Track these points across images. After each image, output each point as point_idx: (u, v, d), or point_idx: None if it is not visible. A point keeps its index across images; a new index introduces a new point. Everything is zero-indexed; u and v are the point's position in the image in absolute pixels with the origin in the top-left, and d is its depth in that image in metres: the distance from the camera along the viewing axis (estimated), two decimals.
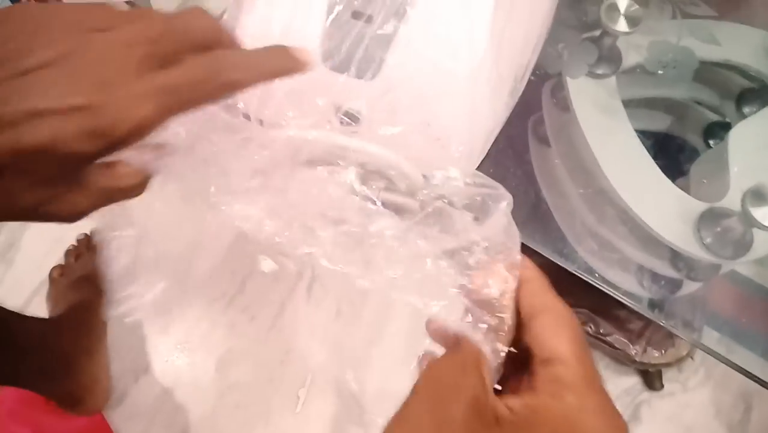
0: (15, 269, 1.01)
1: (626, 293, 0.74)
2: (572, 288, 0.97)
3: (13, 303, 0.98)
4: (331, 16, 0.37)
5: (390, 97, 0.39)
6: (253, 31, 0.36)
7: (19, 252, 1.04)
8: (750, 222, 0.57)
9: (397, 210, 0.42)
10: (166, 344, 0.99)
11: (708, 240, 0.65)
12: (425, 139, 0.39)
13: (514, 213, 0.77)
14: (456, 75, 0.38)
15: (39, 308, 0.98)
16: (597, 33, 0.71)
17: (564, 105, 0.84)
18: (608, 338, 0.92)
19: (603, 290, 0.75)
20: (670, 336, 0.92)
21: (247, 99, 0.40)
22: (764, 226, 0.57)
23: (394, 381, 0.94)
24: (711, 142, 0.86)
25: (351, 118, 0.40)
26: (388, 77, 0.38)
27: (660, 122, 0.90)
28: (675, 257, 0.72)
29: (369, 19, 0.37)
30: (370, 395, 0.94)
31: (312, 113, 0.40)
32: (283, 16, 0.37)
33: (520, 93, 0.45)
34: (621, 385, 0.98)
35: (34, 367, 0.77)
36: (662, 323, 0.70)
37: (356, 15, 0.36)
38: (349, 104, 0.40)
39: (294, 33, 0.36)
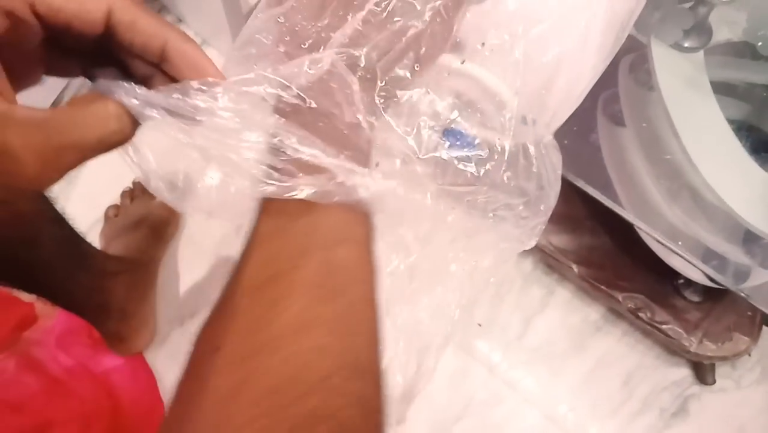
0: (71, 205, 1.02)
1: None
2: (630, 274, 0.95)
3: None
4: None
5: (500, 22, 0.37)
6: None
7: (76, 189, 1.05)
8: None
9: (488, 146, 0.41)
10: (216, 293, 0.99)
11: None
12: (528, 78, 0.38)
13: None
14: (571, 9, 0.36)
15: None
16: (688, 5, 0.68)
17: (644, 81, 0.81)
18: (663, 327, 0.90)
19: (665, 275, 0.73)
20: (728, 330, 0.89)
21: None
22: None
23: None
24: None
25: (455, 43, 0.39)
26: (502, 5, 0.36)
27: (737, 110, 0.87)
28: (751, 241, 0.69)
29: None
30: None
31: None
32: None
33: (621, 43, 0.43)
34: (671, 376, 0.96)
35: (86, 299, 0.78)
36: (743, 294, 0.67)
37: None
38: (461, 32, 0.38)
39: None
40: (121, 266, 0.85)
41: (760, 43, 0.63)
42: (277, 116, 0.30)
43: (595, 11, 0.40)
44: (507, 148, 0.41)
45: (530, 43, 0.38)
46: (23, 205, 0.62)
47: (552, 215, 1.07)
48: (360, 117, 0.32)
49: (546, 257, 1.01)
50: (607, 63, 0.46)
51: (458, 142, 0.40)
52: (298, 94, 0.31)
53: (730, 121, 0.88)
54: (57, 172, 0.24)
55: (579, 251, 0.97)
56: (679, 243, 0.75)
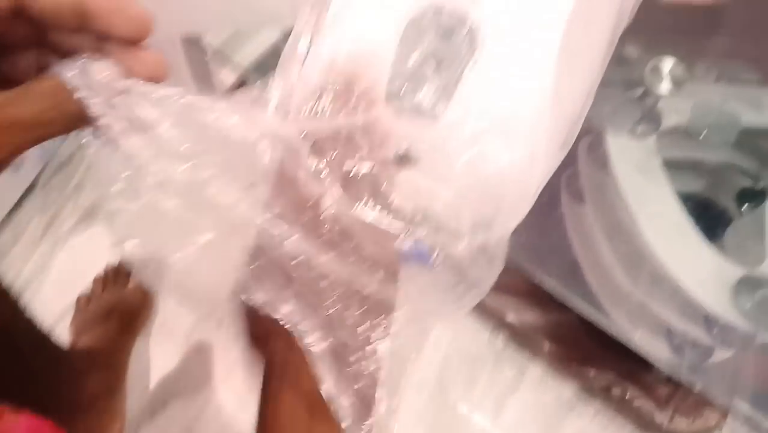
0: (42, 294, 1.02)
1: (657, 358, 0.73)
2: (600, 350, 0.96)
3: None
4: (400, 60, 0.38)
5: (450, 141, 0.39)
6: (316, 75, 0.37)
7: (48, 277, 1.05)
8: None
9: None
10: (188, 382, 0.98)
11: (745, 307, 0.64)
12: (479, 189, 0.40)
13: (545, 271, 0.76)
14: (517, 124, 0.39)
15: (62, 335, 0.97)
16: (639, 92, 0.71)
17: (601, 162, 0.84)
18: (635, 403, 0.90)
19: (635, 351, 0.74)
20: (699, 405, 0.90)
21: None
22: None
23: None
24: (744, 207, 0.85)
25: (410, 159, 0.41)
26: (450, 122, 0.39)
27: (693, 184, 0.90)
28: (710, 322, 0.71)
29: (437, 65, 0.38)
30: None
31: (372, 152, 0.40)
32: (348, 59, 0.38)
33: (569, 147, 0.45)
34: None
35: (55, 399, 0.77)
36: (694, 387, 0.68)
37: (424, 60, 0.37)
38: (409, 146, 0.40)
39: (360, 76, 0.37)
40: (92, 362, 0.84)
41: (704, 132, 0.66)
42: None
43: (541, 116, 0.42)
44: (457, 249, 0.43)
45: (473, 151, 0.40)
46: None
47: (522, 291, 1.08)
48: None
49: (517, 335, 1.01)
50: (557, 165, 0.48)
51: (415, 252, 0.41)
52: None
53: (687, 196, 0.91)
54: (2, 151, 0.25)
55: (549, 327, 0.98)
56: (640, 323, 0.77)
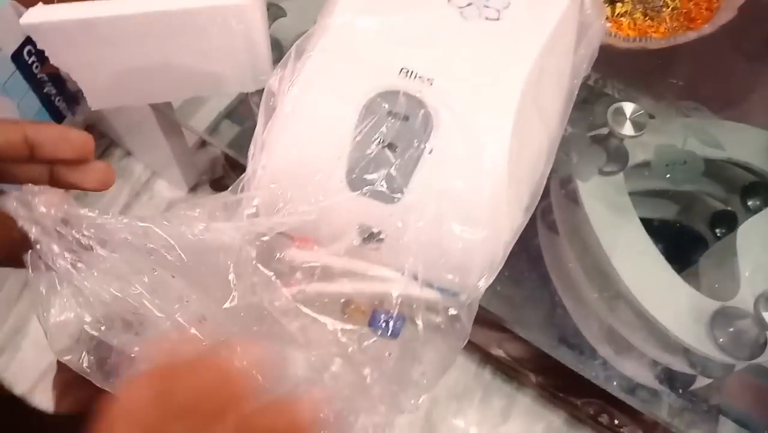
0: (21, 354, 1.01)
1: (642, 401, 0.74)
2: (584, 379, 0.96)
3: (18, 389, 0.97)
4: (357, 145, 0.39)
5: (413, 219, 0.40)
6: (281, 165, 0.38)
7: (27, 337, 1.03)
8: (765, 326, 0.58)
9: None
10: None
11: (721, 340, 0.65)
12: (445, 263, 0.41)
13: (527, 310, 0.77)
14: (476, 201, 0.40)
15: (43, 396, 0.96)
16: (605, 132, 0.73)
17: (573, 197, 0.85)
18: (623, 430, 0.91)
19: (616, 396, 0.75)
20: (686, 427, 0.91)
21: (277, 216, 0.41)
22: None
23: None
24: (718, 231, 0.87)
25: (375, 238, 0.41)
26: (411, 201, 0.39)
27: (667, 211, 0.91)
28: (689, 354, 0.71)
29: (394, 149, 0.39)
30: None
31: (338, 234, 0.41)
32: (309, 147, 0.38)
33: (534, 208, 0.46)
34: None
35: None
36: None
37: (383, 145, 0.38)
38: (374, 226, 0.41)
39: (321, 163, 0.38)
40: (78, 426, 0.83)
41: (668, 175, 0.67)
42: None
43: (499, 191, 0.43)
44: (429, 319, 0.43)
45: (436, 229, 0.41)
46: None
47: (502, 326, 1.07)
48: None
49: (503, 366, 1.02)
50: (523, 226, 0.49)
51: (382, 325, 0.42)
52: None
53: (661, 222, 0.92)
54: None
55: (535, 358, 0.98)
56: (623, 355, 0.78)
